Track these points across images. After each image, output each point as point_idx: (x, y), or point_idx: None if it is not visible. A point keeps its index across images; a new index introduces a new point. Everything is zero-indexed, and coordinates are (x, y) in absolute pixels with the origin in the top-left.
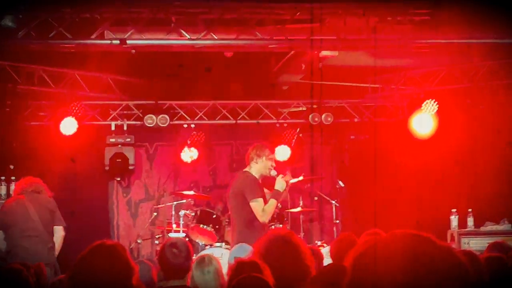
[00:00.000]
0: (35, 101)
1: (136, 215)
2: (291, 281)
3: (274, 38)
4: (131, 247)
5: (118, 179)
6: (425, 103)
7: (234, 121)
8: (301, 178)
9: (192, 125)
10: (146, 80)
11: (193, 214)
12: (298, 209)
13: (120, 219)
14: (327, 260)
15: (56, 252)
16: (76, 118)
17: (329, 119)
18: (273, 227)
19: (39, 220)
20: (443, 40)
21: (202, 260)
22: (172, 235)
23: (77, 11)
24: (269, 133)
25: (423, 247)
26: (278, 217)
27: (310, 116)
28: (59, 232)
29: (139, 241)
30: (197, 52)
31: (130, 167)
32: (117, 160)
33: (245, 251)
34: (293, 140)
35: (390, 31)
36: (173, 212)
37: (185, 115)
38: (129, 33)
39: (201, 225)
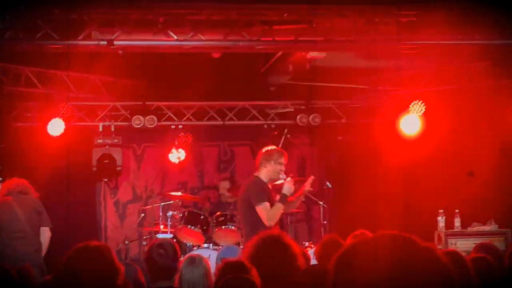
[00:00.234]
0: (22, 102)
1: (124, 216)
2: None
3: (261, 39)
4: (118, 248)
5: (106, 180)
6: (412, 104)
7: (221, 122)
8: (288, 179)
9: (180, 126)
10: (133, 81)
11: (181, 215)
12: None
13: (108, 220)
14: (314, 262)
15: (43, 253)
16: (63, 119)
17: (316, 120)
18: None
19: (26, 221)
20: (430, 41)
21: (193, 260)
22: (159, 236)
23: (65, 12)
24: (256, 134)
25: (405, 248)
26: None
27: (298, 117)
28: (45, 233)
29: (126, 242)
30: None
31: (118, 168)
32: (105, 161)
33: (233, 252)
34: (281, 141)
35: (377, 32)
36: (161, 213)
37: (173, 116)
38: (116, 34)
39: (189, 226)
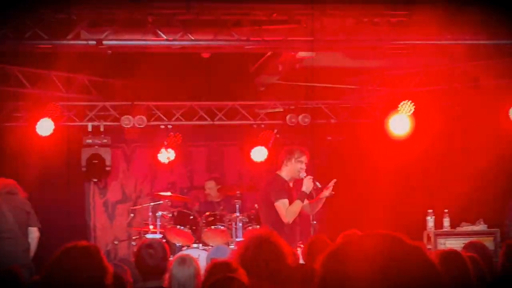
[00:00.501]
0: (11, 102)
1: (113, 217)
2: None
3: (250, 39)
4: (108, 248)
5: (95, 180)
6: (401, 104)
7: (211, 122)
8: (308, 177)
9: (169, 126)
10: (122, 81)
11: (170, 215)
12: None
13: (97, 220)
14: (301, 261)
15: (32, 253)
16: (52, 119)
17: (306, 120)
18: (250, 228)
19: (14, 222)
20: (420, 41)
21: (183, 260)
22: (149, 236)
23: (53, 12)
24: (246, 134)
25: (393, 247)
26: (255, 218)
27: (287, 117)
28: (34, 234)
29: (116, 242)
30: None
31: (107, 168)
32: (94, 161)
33: (222, 252)
34: (270, 141)
35: (367, 32)
36: (150, 213)
37: (162, 116)
38: (105, 34)
39: (178, 226)
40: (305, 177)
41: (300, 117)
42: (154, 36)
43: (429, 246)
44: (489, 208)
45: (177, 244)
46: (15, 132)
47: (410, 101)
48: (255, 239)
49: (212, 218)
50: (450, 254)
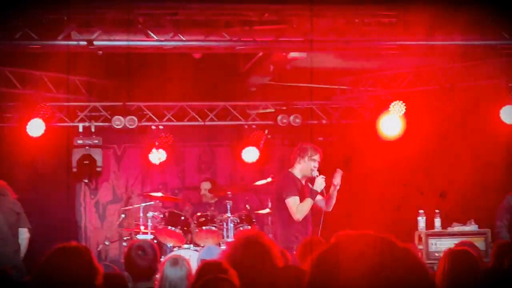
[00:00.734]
0: (2, 103)
1: (104, 217)
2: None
3: (241, 39)
4: (98, 249)
5: (86, 181)
6: (392, 104)
7: (202, 123)
8: (269, 179)
9: (160, 127)
10: (113, 81)
11: (161, 216)
12: (266, 210)
13: (88, 221)
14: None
15: (22, 254)
16: (43, 120)
17: (297, 120)
18: (241, 228)
19: (4, 223)
20: (411, 42)
21: (175, 261)
22: (140, 237)
23: (44, 12)
24: (237, 134)
25: (382, 249)
26: (246, 218)
27: (278, 117)
28: (24, 234)
29: (106, 243)
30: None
31: (98, 169)
32: (85, 161)
33: (214, 252)
34: (261, 142)
35: (357, 33)
36: (141, 214)
37: (153, 117)
38: (96, 34)
39: (169, 227)
40: (317, 176)
41: (291, 117)
42: (145, 37)
43: (420, 247)
44: (480, 209)
45: (168, 245)
46: (6, 133)
47: (401, 102)
48: (242, 239)
49: (204, 219)
50: (460, 252)
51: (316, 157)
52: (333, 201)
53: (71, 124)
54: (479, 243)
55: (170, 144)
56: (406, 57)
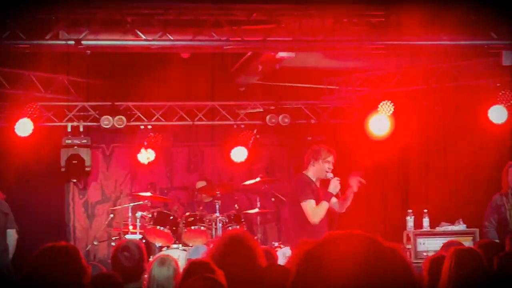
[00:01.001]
0: None
1: (93, 217)
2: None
3: (230, 39)
4: (87, 249)
5: (74, 180)
6: (381, 104)
7: (191, 122)
8: (258, 179)
9: (149, 127)
10: (102, 81)
11: (150, 215)
12: (255, 210)
13: (76, 221)
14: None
15: (10, 255)
16: (31, 120)
17: (286, 120)
18: (230, 228)
19: None
20: (399, 42)
21: (163, 260)
22: (128, 236)
23: (32, 12)
24: (226, 134)
25: (368, 249)
26: (235, 218)
27: (267, 117)
28: (12, 235)
29: (95, 243)
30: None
31: (87, 169)
32: (73, 161)
33: (201, 252)
34: (250, 141)
35: (346, 33)
36: (130, 214)
37: (142, 117)
38: (84, 34)
39: (158, 227)
40: (332, 178)
41: (280, 117)
42: (133, 36)
43: (408, 246)
44: (468, 208)
45: (157, 245)
46: None
47: (389, 102)
48: (226, 238)
49: (192, 219)
50: (466, 251)
51: (330, 158)
52: (348, 203)
53: (60, 124)
54: (467, 242)
55: (158, 144)
56: (395, 57)
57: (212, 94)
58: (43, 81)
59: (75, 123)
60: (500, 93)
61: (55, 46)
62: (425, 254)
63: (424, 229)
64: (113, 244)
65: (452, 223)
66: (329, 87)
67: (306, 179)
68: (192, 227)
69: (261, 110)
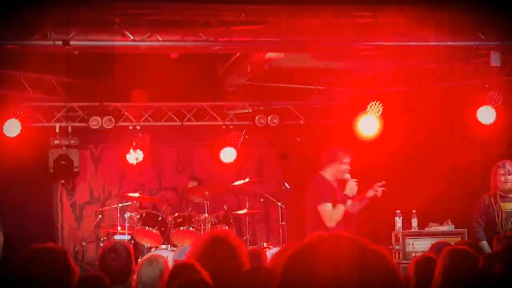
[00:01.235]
0: None
1: (81, 218)
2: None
3: (219, 39)
4: (75, 250)
5: (63, 181)
6: (370, 105)
7: (180, 123)
8: (247, 180)
9: (138, 127)
10: (90, 81)
11: (139, 216)
12: (244, 210)
13: (65, 222)
14: None
15: None
16: (19, 120)
17: (275, 121)
18: (222, 229)
19: None
20: (388, 43)
21: (151, 260)
22: (117, 237)
23: (19, 12)
24: (215, 135)
25: (353, 250)
26: (224, 219)
27: (256, 118)
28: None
29: (83, 244)
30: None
31: (75, 170)
32: (62, 162)
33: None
34: (239, 142)
35: (334, 33)
36: (118, 215)
37: (131, 117)
38: (72, 34)
39: (147, 228)
40: (349, 179)
41: (269, 118)
42: (121, 37)
43: (397, 247)
44: (456, 209)
45: (146, 246)
46: None
47: (378, 102)
48: (208, 239)
49: (181, 219)
50: (459, 251)
51: (347, 159)
52: (362, 205)
53: (48, 124)
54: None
55: (147, 145)
56: (383, 57)
57: (201, 94)
58: (31, 81)
59: (63, 124)
60: (489, 94)
61: (43, 47)
62: (413, 254)
63: (413, 230)
64: (101, 245)
65: (441, 223)
66: (318, 87)
67: (322, 181)
68: (181, 228)
69: (250, 110)
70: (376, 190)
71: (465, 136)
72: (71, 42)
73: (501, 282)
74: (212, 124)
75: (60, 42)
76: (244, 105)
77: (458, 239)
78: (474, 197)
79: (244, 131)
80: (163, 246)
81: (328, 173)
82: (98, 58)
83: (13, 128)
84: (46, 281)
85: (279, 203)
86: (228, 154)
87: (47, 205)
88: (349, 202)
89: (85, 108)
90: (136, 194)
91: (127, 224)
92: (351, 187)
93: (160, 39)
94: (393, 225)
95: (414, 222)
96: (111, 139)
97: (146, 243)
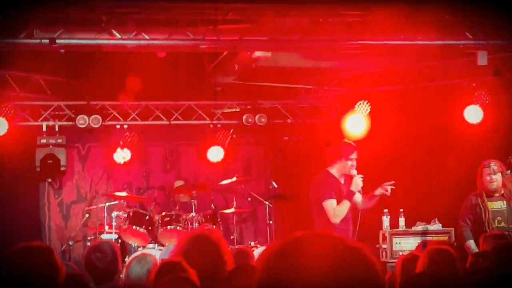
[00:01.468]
0: None
1: (68, 217)
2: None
3: (206, 38)
4: (62, 249)
5: (50, 180)
6: (357, 104)
7: (167, 122)
8: (234, 179)
9: (125, 126)
10: (77, 80)
11: (126, 215)
12: (232, 210)
13: (52, 221)
14: None
15: None
16: (6, 119)
17: (262, 120)
18: (206, 228)
19: None
20: (376, 42)
21: (139, 258)
22: (104, 236)
23: (6, 10)
24: (202, 134)
25: (333, 248)
26: (211, 218)
27: (244, 117)
28: None
29: (70, 243)
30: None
31: (62, 168)
32: (48, 161)
33: None
34: (227, 141)
35: (322, 32)
36: (105, 214)
37: (118, 116)
38: (58, 33)
39: (134, 227)
40: (355, 175)
41: (256, 117)
42: (108, 35)
43: (384, 246)
44: (443, 208)
45: (133, 245)
46: None
47: (366, 101)
48: (192, 237)
49: (168, 218)
50: (439, 251)
51: (354, 155)
52: (372, 203)
53: (35, 123)
54: None
55: (134, 144)
56: (371, 57)
57: (189, 93)
58: (18, 80)
59: (50, 123)
60: (476, 93)
61: (30, 45)
62: (400, 253)
63: (400, 229)
64: (88, 244)
65: (428, 222)
66: (305, 86)
67: (328, 177)
68: (168, 227)
69: (238, 109)
70: (386, 189)
71: (452, 136)
72: (58, 41)
73: (490, 282)
74: (199, 123)
75: (47, 41)
76: (232, 104)
77: (445, 238)
78: (461, 196)
79: (232, 130)
80: (151, 245)
81: (335, 169)
82: (85, 57)
83: (0, 127)
84: (32, 280)
85: (267, 202)
86: (215, 153)
87: (34, 204)
88: (358, 198)
89: (72, 107)
90: (124, 193)
91: (114, 223)
92: (357, 183)
93: (147, 37)
94: (381, 224)
95: (402, 221)
96: (98, 138)
97: (134, 242)
